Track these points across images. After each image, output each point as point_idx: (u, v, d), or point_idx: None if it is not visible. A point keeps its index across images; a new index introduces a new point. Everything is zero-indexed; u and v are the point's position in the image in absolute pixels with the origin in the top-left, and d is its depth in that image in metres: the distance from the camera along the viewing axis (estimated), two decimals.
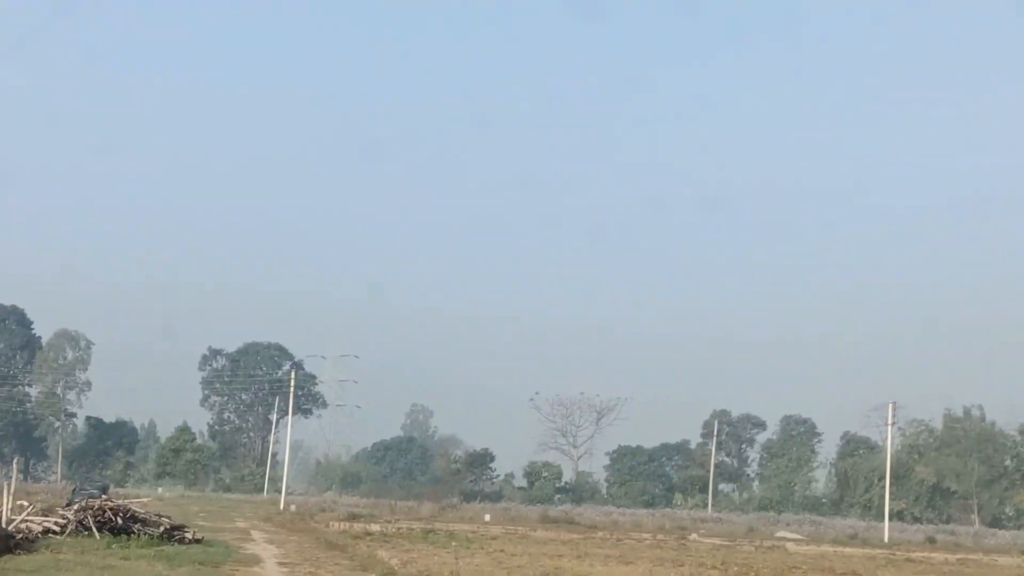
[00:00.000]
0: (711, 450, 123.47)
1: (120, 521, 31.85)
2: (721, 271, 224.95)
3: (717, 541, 62.60)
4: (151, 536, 31.50)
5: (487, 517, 72.09)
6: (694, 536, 64.69)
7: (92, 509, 32.08)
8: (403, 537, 50.31)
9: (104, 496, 34.54)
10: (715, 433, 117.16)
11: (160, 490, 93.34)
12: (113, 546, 29.47)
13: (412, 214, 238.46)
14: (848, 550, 59.25)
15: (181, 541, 32.11)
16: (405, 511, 75.94)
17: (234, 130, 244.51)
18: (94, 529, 31.35)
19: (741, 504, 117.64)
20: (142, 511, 33.25)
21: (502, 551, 43.71)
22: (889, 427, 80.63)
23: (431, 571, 31.54)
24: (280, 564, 29.18)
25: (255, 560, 29.75)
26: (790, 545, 59.34)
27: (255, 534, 42.64)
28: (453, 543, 39.65)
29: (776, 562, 46.73)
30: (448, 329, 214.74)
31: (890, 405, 79.07)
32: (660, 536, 63.56)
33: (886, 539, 70.26)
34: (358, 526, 56.30)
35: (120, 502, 33.63)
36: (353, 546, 37.64)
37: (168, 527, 32.59)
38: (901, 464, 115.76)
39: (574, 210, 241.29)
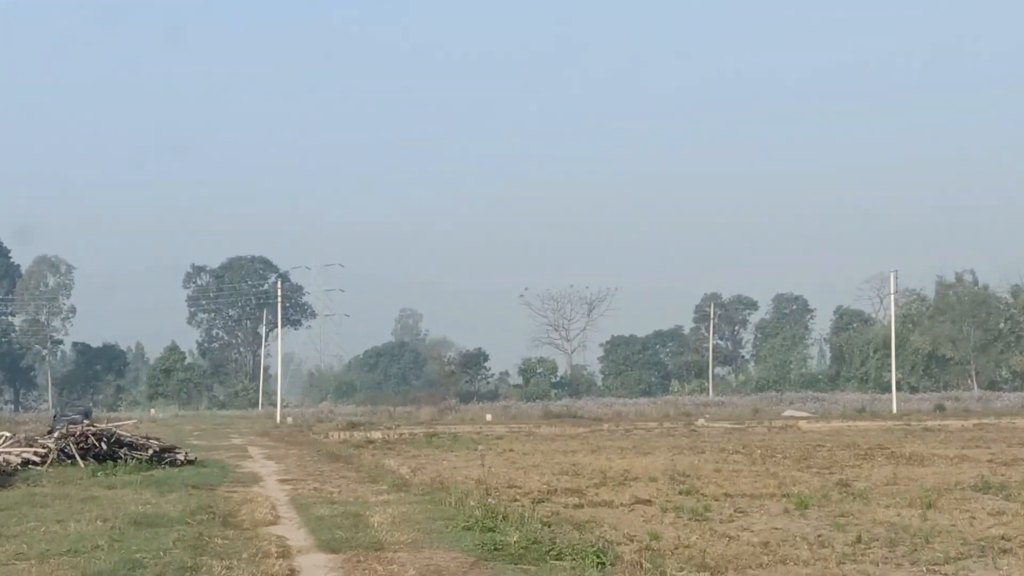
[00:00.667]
0: (705, 334, 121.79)
1: (104, 447, 29.14)
2: (703, 153, 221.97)
3: (726, 424, 60.56)
4: (139, 461, 28.82)
5: (488, 417, 69.90)
6: (701, 421, 62.66)
7: (74, 436, 29.34)
8: (406, 443, 47.96)
9: (86, 421, 31.74)
10: (711, 315, 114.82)
11: (153, 411, 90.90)
12: (98, 474, 26.78)
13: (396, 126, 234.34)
14: (861, 424, 57.30)
15: (173, 463, 29.47)
16: (404, 417, 73.67)
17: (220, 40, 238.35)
18: (77, 457, 28.63)
19: (738, 386, 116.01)
20: (129, 434, 30.54)
21: (511, 450, 41.36)
22: (892, 295, 78.59)
23: (443, 477, 29.07)
24: (282, 481, 26.58)
25: (254, 479, 27.14)
26: (802, 424, 57.33)
27: (252, 450, 40.06)
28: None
29: (795, 442, 44.58)
30: (433, 234, 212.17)
31: (892, 275, 77.01)
32: (667, 424, 61.48)
33: (894, 410, 68.40)
34: (358, 434, 53.94)
35: (104, 426, 30.86)
36: (357, 456, 35.13)
37: (158, 449, 29.92)
38: (896, 334, 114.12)
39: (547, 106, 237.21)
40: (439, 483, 26.24)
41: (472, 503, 19.69)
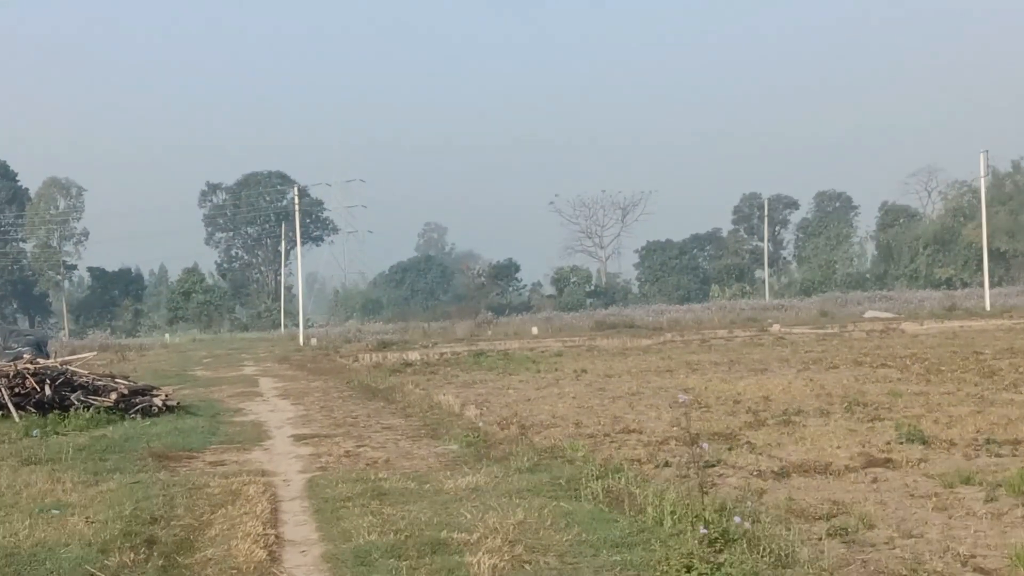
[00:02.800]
0: (744, 236, 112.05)
1: (49, 392, 19.85)
2: (726, 52, 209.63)
3: (806, 330, 51.15)
4: (98, 409, 19.59)
5: (534, 330, 60.57)
6: (776, 327, 53.23)
7: (7, 377, 20.07)
8: (450, 365, 38.78)
9: (26, 356, 22.34)
10: (765, 212, 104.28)
11: (167, 336, 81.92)
12: (33, 432, 17.64)
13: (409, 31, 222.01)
14: (971, 323, 47.79)
15: (146, 412, 20.20)
16: (439, 333, 64.39)
17: None
18: (10, 406, 19.40)
19: (781, 289, 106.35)
20: (86, 374, 21.17)
21: (584, 372, 32.11)
22: (982, 178, 67.69)
23: (524, 418, 19.89)
24: (297, 438, 17.21)
25: (256, 435, 17.78)
26: (907, 326, 47.79)
27: (265, 383, 30.66)
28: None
29: (927, 348, 35.27)
30: (455, 147, 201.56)
31: (982, 155, 66.02)
32: (739, 332, 52.06)
33: (987, 307, 58.73)
34: (392, 356, 44.78)
35: (51, 363, 21.47)
36: (398, 388, 25.76)
37: (125, 392, 20.61)
38: (946, 229, 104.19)
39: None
40: (531, 432, 17.06)
41: (646, 494, 10.27)
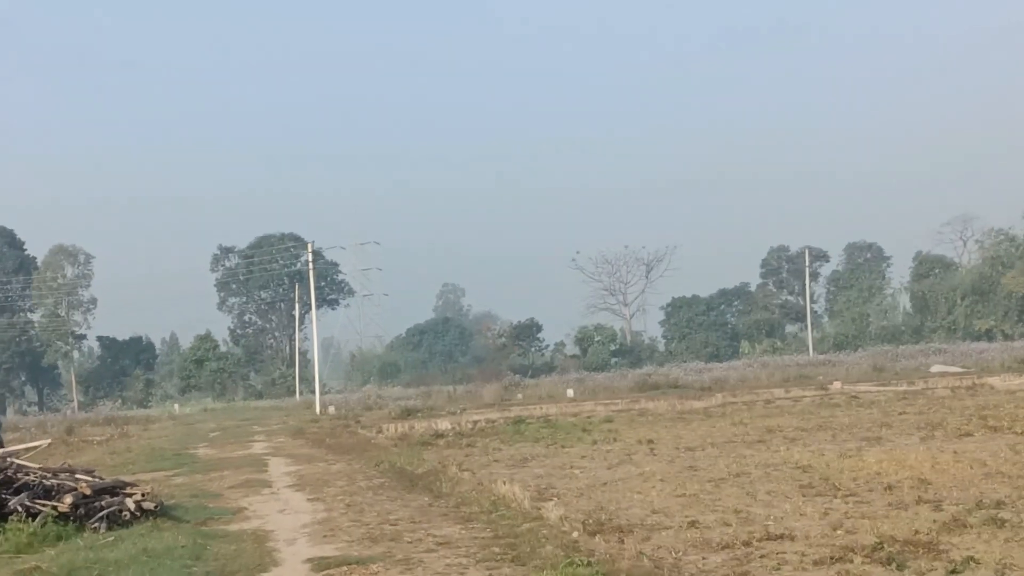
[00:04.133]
0: (773, 290, 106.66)
1: None
2: (756, 103, 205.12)
3: (870, 387, 45.59)
4: (46, 519, 14.22)
5: (570, 392, 55.07)
6: (838, 385, 47.67)
7: None
8: (487, 435, 33.33)
9: None
10: (807, 263, 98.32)
11: (176, 407, 76.43)
12: None
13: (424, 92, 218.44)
14: None
15: (114, 519, 14.80)
16: (466, 397, 58.84)
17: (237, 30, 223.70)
18: None
19: (815, 344, 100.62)
20: (35, 468, 15.79)
21: (651, 442, 26.73)
22: None
23: (624, 513, 14.66)
24: (318, 568, 11.57)
25: (256, 563, 12.12)
26: (995, 382, 42.16)
27: (275, 466, 25.11)
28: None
29: None
30: (470, 205, 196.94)
31: None
32: (799, 391, 46.49)
33: None
34: (419, 425, 39.28)
35: None
36: (443, 473, 20.21)
37: (88, 494, 15.20)
38: (984, 279, 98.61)
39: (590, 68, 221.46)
40: (634, 538, 11.78)
41: None
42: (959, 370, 51.05)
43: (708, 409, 39.27)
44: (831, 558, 11.33)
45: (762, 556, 11.76)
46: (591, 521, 14.35)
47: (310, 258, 72.74)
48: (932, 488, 15.92)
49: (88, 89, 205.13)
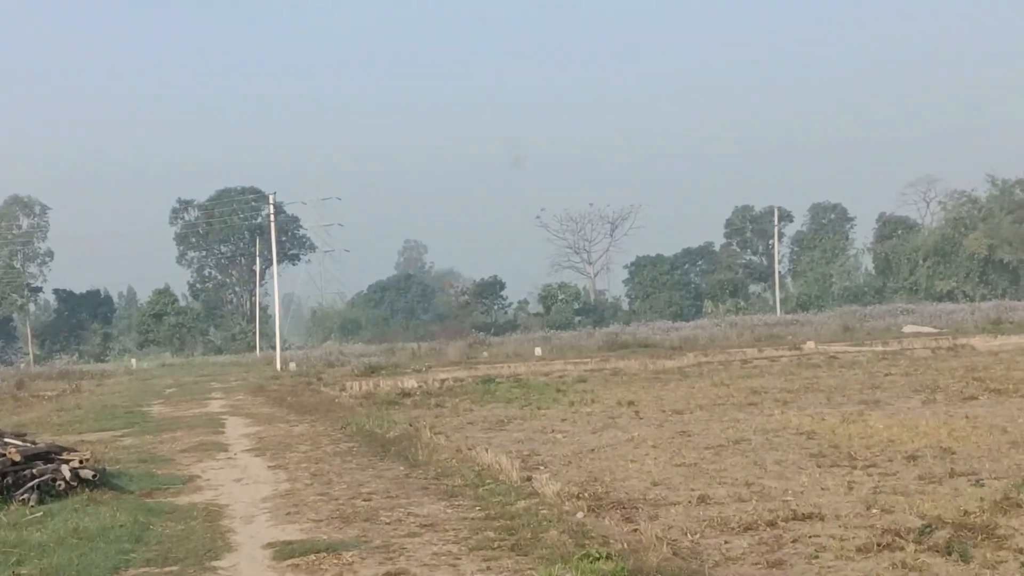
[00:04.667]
0: (737, 250, 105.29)
1: None
2: (725, 62, 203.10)
3: (845, 347, 44.26)
4: None
5: (538, 351, 53.31)
6: (811, 344, 46.27)
7: None
8: (455, 394, 31.65)
9: None
10: (776, 221, 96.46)
11: (134, 362, 73.94)
12: None
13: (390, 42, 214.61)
14: None
15: (46, 491, 12.87)
16: (431, 355, 56.99)
17: None
18: None
19: (776, 304, 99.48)
20: None
21: (633, 404, 25.16)
22: None
23: (622, 486, 13.03)
24: (280, 557, 9.68)
25: (207, 548, 10.30)
26: (976, 343, 40.86)
27: (233, 426, 23.12)
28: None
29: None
30: (433, 163, 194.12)
31: None
32: (773, 351, 45.06)
33: None
34: (385, 383, 37.45)
35: None
36: (418, 438, 18.33)
37: (17, 460, 13.23)
38: (946, 240, 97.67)
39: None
40: (640, 515, 10.13)
41: None
42: (932, 330, 49.81)
43: (683, 369, 37.74)
44: (877, 544, 9.68)
45: (793, 540, 10.13)
46: (587, 494, 12.67)
47: (271, 211, 70.37)
48: (959, 459, 14.37)
49: (51, 40, 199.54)
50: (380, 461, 15.48)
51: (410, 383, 36.61)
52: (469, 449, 15.87)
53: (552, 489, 11.93)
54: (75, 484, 13.23)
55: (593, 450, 17.35)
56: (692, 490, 13.09)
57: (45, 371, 67.71)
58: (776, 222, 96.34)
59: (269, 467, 15.34)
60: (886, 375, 29.88)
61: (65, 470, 13.38)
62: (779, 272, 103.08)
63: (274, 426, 22.39)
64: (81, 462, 13.71)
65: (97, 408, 30.49)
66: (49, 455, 13.93)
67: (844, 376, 30.27)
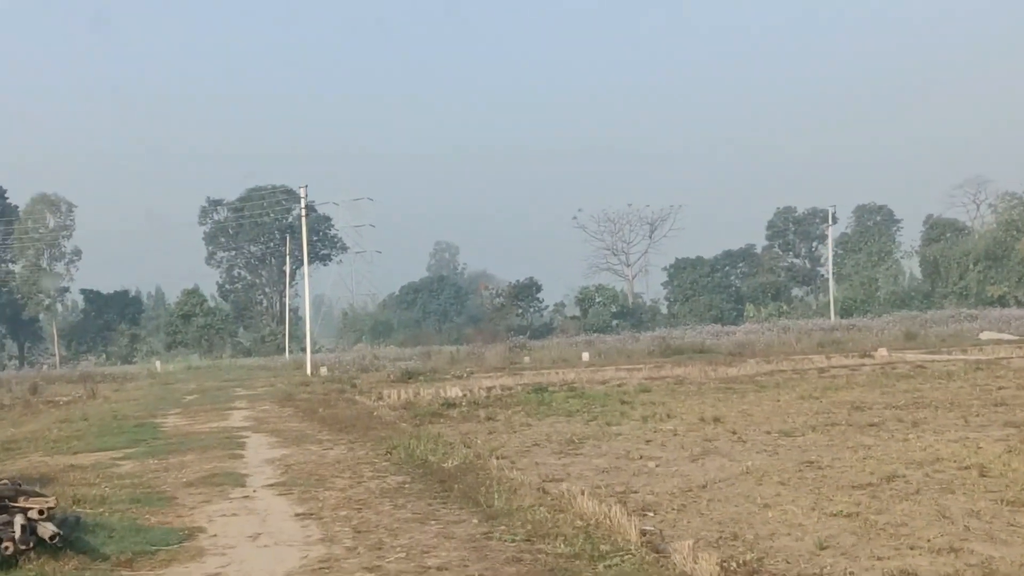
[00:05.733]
0: (779, 252, 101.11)
1: None
2: (761, 66, 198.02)
3: (921, 356, 40.16)
4: None
5: (585, 356, 49.44)
6: (882, 352, 42.19)
7: None
8: (505, 405, 27.75)
9: None
10: (830, 221, 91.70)
11: (158, 364, 70.52)
12: None
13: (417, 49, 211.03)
14: None
15: None
16: (470, 360, 53.18)
17: None
18: None
19: (820, 308, 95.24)
20: None
21: (717, 421, 21.27)
22: None
23: (766, 546, 9.04)
24: None
25: None
26: None
27: (255, 448, 19.26)
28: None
29: None
30: (466, 162, 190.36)
31: None
32: (842, 359, 40.99)
33: None
34: (425, 391, 33.58)
35: None
36: (485, 472, 14.43)
37: None
38: (998, 243, 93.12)
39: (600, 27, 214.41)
40: None
41: None
42: (1013, 337, 45.62)
43: (754, 378, 33.70)
44: None
45: None
46: (735, 566, 8.81)
47: (303, 209, 66.70)
48: None
49: (72, 36, 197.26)
50: (443, 506, 11.66)
51: (453, 391, 32.80)
52: (558, 490, 12.02)
53: (709, 568, 8.08)
54: (31, 546, 9.48)
55: (704, 486, 13.49)
56: (878, 558, 9.23)
57: (66, 374, 64.62)
58: (830, 222, 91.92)
59: (297, 515, 11.51)
60: (999, 388, 25.82)
61: (18, 524, 9.63)
62: (821, 276, 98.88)
63: (304, 448, 18.57)
64: (42, 512, 9.93)
65: (105, 419, 26.86)
66: (2, 500, 10.18)
67: (950, 390, 26.21)
